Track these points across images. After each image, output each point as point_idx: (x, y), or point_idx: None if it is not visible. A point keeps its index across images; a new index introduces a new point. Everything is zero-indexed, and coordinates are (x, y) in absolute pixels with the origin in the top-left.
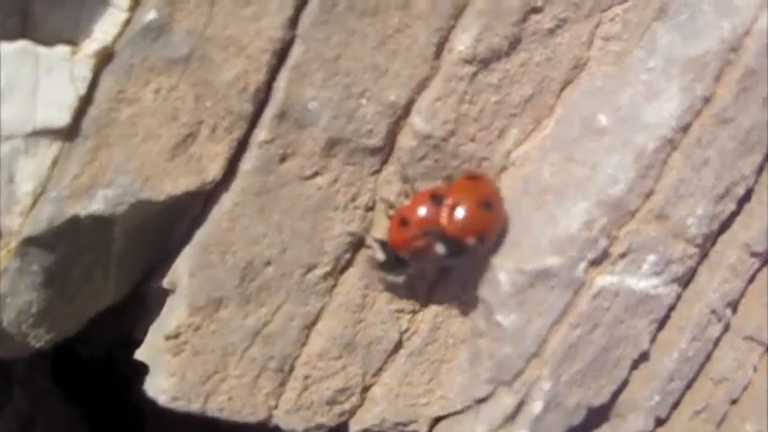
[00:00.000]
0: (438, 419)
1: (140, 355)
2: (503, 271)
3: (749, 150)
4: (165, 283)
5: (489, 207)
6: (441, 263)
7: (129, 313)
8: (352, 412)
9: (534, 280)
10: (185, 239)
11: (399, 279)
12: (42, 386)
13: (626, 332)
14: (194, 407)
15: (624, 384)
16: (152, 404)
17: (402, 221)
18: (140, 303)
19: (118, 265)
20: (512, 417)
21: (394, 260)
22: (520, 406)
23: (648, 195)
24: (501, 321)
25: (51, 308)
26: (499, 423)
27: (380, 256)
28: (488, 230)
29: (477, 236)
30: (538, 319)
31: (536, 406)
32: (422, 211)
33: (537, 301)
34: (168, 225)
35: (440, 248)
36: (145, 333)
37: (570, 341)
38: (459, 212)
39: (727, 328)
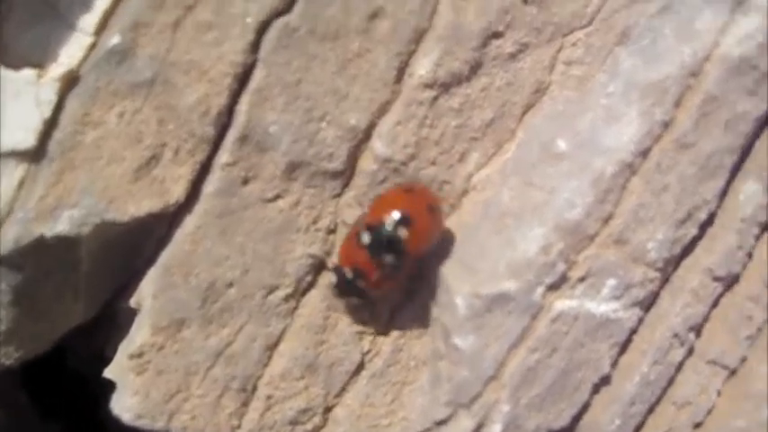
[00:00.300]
0: None
1: (109, 373)
2: (459, 295)
3: (710, 175)
4: (132, 302)
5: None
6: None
7: (100, 332)
8: None
9: (491, 304)
10: (152, 260)
11: (355, 301)
12: (20, 402)
13: (586, 356)
14: (158, 425)
15: (585, 408)
16: (116, 423)
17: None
18: (111, 322)
19: (86, 284)
20: None
21: (346, 283)
22: (478, 429)
23: (607, 220)
24: (458, 344)
25: (20, 327)
26: None
27: (333, 278)
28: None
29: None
30: (495, 343)
31: (495, 429)
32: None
33: (494, 326)
34: (135, 245)
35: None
36: (115, 352)
37: (528, 365)
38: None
39: (690, 352)
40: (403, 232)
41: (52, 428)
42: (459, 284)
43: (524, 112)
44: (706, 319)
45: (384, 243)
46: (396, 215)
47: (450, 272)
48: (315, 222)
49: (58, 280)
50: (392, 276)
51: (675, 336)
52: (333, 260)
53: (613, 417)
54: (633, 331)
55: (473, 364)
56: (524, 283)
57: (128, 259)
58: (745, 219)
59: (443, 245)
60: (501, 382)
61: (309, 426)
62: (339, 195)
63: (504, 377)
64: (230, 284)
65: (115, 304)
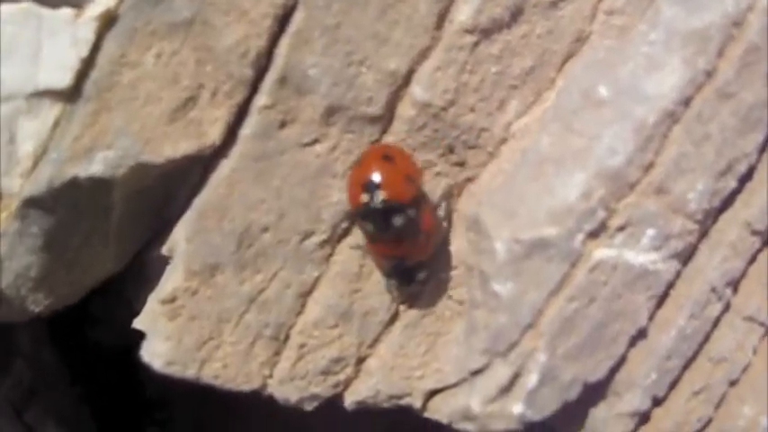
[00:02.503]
0: (433, 393)
1: (139, 323)
2: (499, 240)
3: (751, 127)
4: (164, 250)
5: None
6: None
7: (129, 284)
8: (347, 383)
9: (531, 250)
10: (185, 208)
11: (415, 288)
12: (46, 361)
13: (624, 307)
14: (189, 373)
15: (621, 361)
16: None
17: None
18: (140, 274)
19: (117, 232)
20: (506, 389)
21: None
22: (515, 378)
23: (648, 168)
24: (497, 290)
25: (50, 273)
26: (494, 395)
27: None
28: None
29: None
30: (534, 290)
31: (531, 378)
32: None
33: (533, 272)
34: (168, 193)
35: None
36: (143, 304)
37: (566, 314)
38: None
39: (727, 307)
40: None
41: (76, 392)
42: (498, 230)
43: (564, 61)
44: (743, 274)
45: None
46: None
47: (488, 218)
48: (352, 168)
49: (89, 225)
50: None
51: (713, 290)
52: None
53: (649, 371)
54: (671, 284)
55: (511, 310)
56: (564, 230)
57: (160, 208)
58: None
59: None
60: (538, 331)
61: (342, 376)
62: (377, 141)
63: (542, 325)
64: (265, 229)
65: (145, 255)
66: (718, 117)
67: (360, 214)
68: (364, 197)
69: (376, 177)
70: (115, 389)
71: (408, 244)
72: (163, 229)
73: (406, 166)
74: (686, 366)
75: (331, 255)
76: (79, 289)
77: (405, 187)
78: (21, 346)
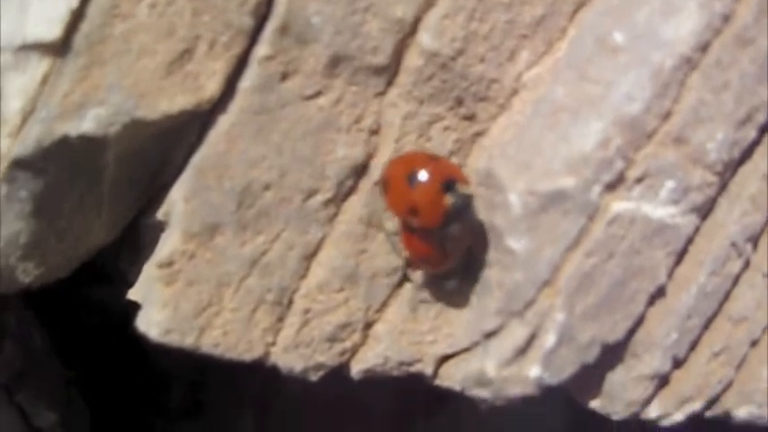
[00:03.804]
0: (444, 358)
1: (133, 294)
2: (513, 192)
3: None
4: (160, 214)
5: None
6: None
7: (124, 259)
8: (354, 351)
9: (547, 203)
10: (181, 171)
11: (451, 284)
12: (36, 344)
13: (642, 264)
14: (188, 341)
15: (640, 321)
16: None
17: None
18: (134, 245)
19: (111, 197)
20: (523, 350)
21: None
22: (531, 339)
23: (666, 117)
24: (512, 246)
25: (41, 240)
26: (510, 357)
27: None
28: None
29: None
30: (550, 245)
31: (548, 339)
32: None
33: (550, 226)
34: (164, 154)
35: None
36: (138, 275)
37: (584, 270)
38: None
39: (747, 265)
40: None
41: (68, 375)
42: (512, 182)
43: (576, 10)
44: (763, 230)
45: None
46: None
47: (502, 171)
48: (357, 122)
49: (81, 189)
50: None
51: (733, 245)
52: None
53: (669, 330)
54: (690, 240)
55: (527, 267)
56: (581, 180)
57: (155, 170)
58: None
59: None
60: (556, 288)
61: (348, 343)
62: (383, 94)
63: (560, 282)
64: (267, 187)
65: (139, 223)
66: (738, 64)
67: (448, 220)
68: (449, 199)
69: (450, 169)
70: (112, 373)
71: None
72: (158, 195)
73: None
74: (706, 326)
75: (336, 214)
76: (71, 259)
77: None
78: (9, 328)
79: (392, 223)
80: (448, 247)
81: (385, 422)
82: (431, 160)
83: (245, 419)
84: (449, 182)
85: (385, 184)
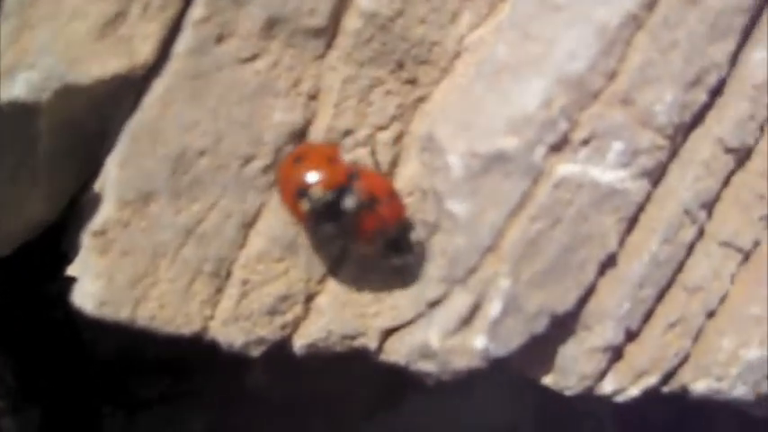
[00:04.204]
0: (389, 332)
1: (72, 270)
2: (454, 154)
3: (721, 35)
4: (96, 186)
5: None
6: None
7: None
8: (296, 325)
9: (489, 164)
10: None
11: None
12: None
13: (591, 230)
14: (123, 314)
15: (590, 291)
16: None
17: None
18: (75, 221)
19: (47, 168)
20: (467, 320)
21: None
22: (476, 308)
23: (612, 76)
24: (453, 210)
25: None
26: (454, 327)
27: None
28: None
29: None
30: (493, 209)
31: (494, 307)
32: None
33: (492, 189)
34: (101, 125)
35: None
36: (77, 252)
37: (529, 236)
38: None
39: (701, 234)
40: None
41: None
42: (452, 143)
43: None
44: (717, 197)
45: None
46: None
47: (442, 133)
48: (295, 86)
49: (14, 159)
50: None
51: (686, 212)
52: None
53: (621, 300)
54: (641, 208)
55: (469, 231)
56: (524, 141)
57: (93, 143)
58: (757, 86)
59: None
60: (499, 255)
61: (290, 316)
62: (322, 57)
63: (504, 249)
64: (202, 153)
65: (79, 201)
66: (685, 23)
67: (313, 222)
68: (304, 204)
69: (304, 179)
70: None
71: (374, 215)
72: (98, 171)
73: (321, 151)
74: (660, 297)
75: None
76: (10, 234)
77: (333, 169)
78: None
79: None
80: (347, 237)
81: (349, 417)
82: (292, 164)
83: (204, 414)
84: (304, 187)
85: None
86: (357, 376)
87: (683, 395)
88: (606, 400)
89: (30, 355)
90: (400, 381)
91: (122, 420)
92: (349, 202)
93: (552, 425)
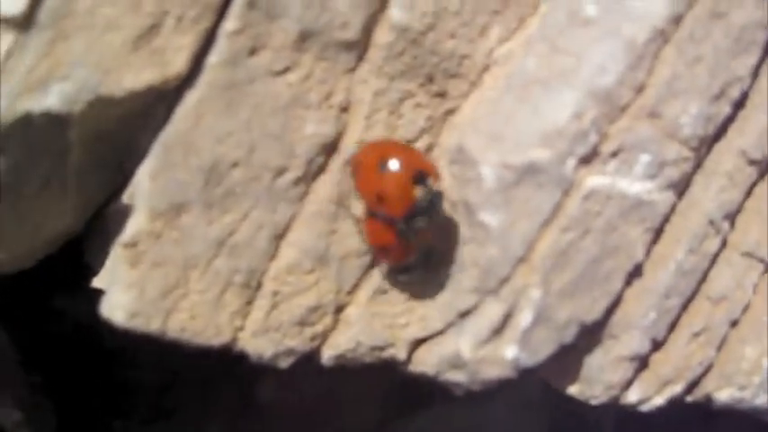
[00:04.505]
0: (418, 342)
1: (99, 281)
2: (487, 166)
3: (744, 50)
4: (125, 197)
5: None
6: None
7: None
8: (325, 336)
9: (521, 176)
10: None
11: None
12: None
13: (619, 241)
14: (153, 326)
15: (617, 301)
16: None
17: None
18: (101, 233)
19: (76, 181)
20: (499, 330)
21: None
22: (507, 317)
23: (640, 90)
24: (486, 221)
25: (3, 224)
26: (485, 337)
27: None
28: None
29: None
30: (525, 220)
31: (525, 317)
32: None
33: (524, 200)
34: (130, 138)
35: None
36: (102, 265)
37: (560, 247)
38: None
39: (724, 244)
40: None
41: (35, 380)
42: (485, 155)
43: None
44: (740, 208)
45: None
46: None
47: (473, 145)
48: (327, 98)
49: (44, 171)
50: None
51: (710, 223)
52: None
53: (647, 310)
54: (666, 218)
55: (501, 242)
56: (555, 153)
57: (122, 159)
58: None
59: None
60: (531, 265)
61: (320, 327)
62: (353, 70)
63: (535, 259)
64: (235, 165)
65: (105, 212)
66: (710, 38)
67: (411, 213)
68: (418, 191)
69: (423, 164)
70: (77, 379)
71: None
72: (125, 182)
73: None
74: (685, 306)
75: (306, 193)
76: (34, 246)
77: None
78: None
79: (358, 207)
80: (408, 241)
81: (359, 429)
82: (405, 150)
83: (214, 427)
84: (421, 174)
85: (356, 167)
86: (368, 388)
87: (706, 404)
88: (631, 410)
89: (44, 367)
90: (411, 393)
91: None
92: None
93: None
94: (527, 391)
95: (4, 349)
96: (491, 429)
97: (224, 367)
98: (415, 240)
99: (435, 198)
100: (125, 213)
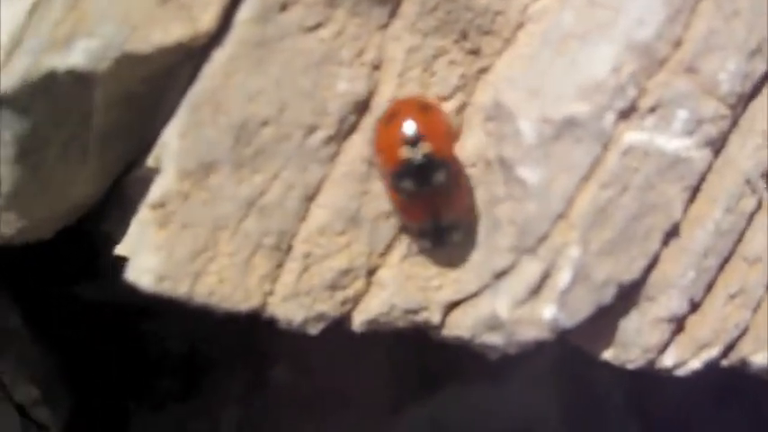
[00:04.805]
0: (452, 305)
1: (122, 249)
2: (526, 120)
3: None
4: (150, 160)
5: None
6: None
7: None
8: (357, 300)
9: (560, 130)
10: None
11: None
12: (15, 322)
13: (656, 199)
14: (181, 290)
15: (654, 261)
16: None
17: None
18: (120, 203)
19: (99, 145)
20: (536, 289)
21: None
22: (545, 277)
23: (678, 44)
24: (524, 177)
25: (23, 189)
26: (523, 297)
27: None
28: None
29: None
30: (564, 176)
31: (563, 276)
32: None
33: (563, 155)
34: (155, 102)
35: None
36: (124, 234)
37: (599, 204)
38: None
39: (759, 205)
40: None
41: (51, 361)
42: (524, 109)
43: None
44: None
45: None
46: None
47: (511, 99)
48: (359, 55)
49: (67, 133)
50: None
51: (747, 182)
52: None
53: (686, 269)
54: (702, 177)
55: (540, 198)
56: (595, 107)
57: (145, 124)
58: None
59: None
60: (570, 222)
61: (351, 291)
62: (385, 26)
63: (574, 216)
64: (265, 123)
65: (126, 180)
66: None
67: (399, 173)
68: (404, 152)
69: (418, 129)
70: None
71: (445, 201)
72: (146, 150)
73: (446, 117)
74: (721, 267)
75: (337, 153)
76: (55, 214)
77: (448, 140)
78: None
79: None
80: (409, 201)
81: (374, 412)
82: (415, 109)
83: (228, 410)
84: (417, 137)
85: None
86: (381, 372)
87: (741, 368)
88: (666, 375)
89: (58, 350)
90: (426, 374)
91: (147, 416)
92: (432, 171)
93: (578, 417)
94: (539, 369)
95: (19, 329)
96: (505, 409)
97: (237, 351)
98: (418, 204)
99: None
100: (150, 177)
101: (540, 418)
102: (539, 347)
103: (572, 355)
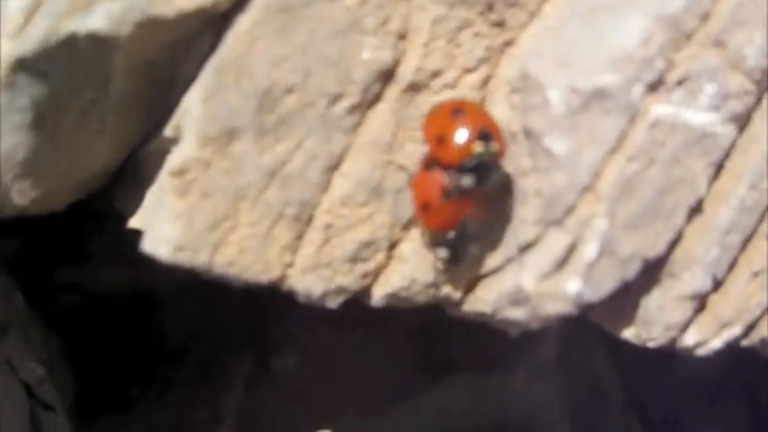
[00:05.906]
0: (475, 280)
1: (136, 222)
2: (554, 89)
3: None
4: (168, 130)
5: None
6: None
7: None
8: (377, 273)
9: (589, 101)
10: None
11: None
12: (20, 302)
13: (682, 174)
14: (200, 260)
15: (678, 237)
16: None
17: None
18: (134, 177)
19: (116, 114)
20: (562, 263)
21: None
22: (572, 249)
23: (706, 18)
24: (552, 147)
25: (39, 157)
26: (549, 270)
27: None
28: None
29: None
30: (592, 147)
31: (590, 249)
32: None
33: (591, 126)
34: (173, 71)
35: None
36: (136, 209)
37: (626, 176)
38: None
39: None
40: None
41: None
42: (552, 79)
43: None
44: None
45: None
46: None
47: (539, 69)
48: (384, 24)
49: (85, 100)
50: None
51: None
52: None
53: (710, 246)
54: (727, 153)
55: (568, 169)
56: (623, 78)
57: (163, 94)
58: None
59: None
60: (597, 194)
61: (372, 264)
62: None
63: (601, 188)
64: (289, 90)
65: (140, 154)
66: None
67: (464, 167)
68: (478, 146)
69: (490, 127)
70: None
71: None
72: (163, 122)
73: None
74: (744, 245)
75: (361, 122)
76: (69, 184)
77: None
78: None
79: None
80: (451, 203)
81: (380, 400)
82: (479, 108)
83: (231, 396)
84: (486, 134)
85: (429, 113)
86: (387, 359)
87: (760, 349)
88: (686, 354)
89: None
90: (431, 364)
91: (150, 403)
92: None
93: (580, 408)
94: (542, 361)
95: (23, 310)
96: (510, 399)
97: (240, 339)
98: (458, 206)
99: (490, 161)
100: (167, 148)
101: (543, 409)
102: (560, 323)
103: (573, 349)
